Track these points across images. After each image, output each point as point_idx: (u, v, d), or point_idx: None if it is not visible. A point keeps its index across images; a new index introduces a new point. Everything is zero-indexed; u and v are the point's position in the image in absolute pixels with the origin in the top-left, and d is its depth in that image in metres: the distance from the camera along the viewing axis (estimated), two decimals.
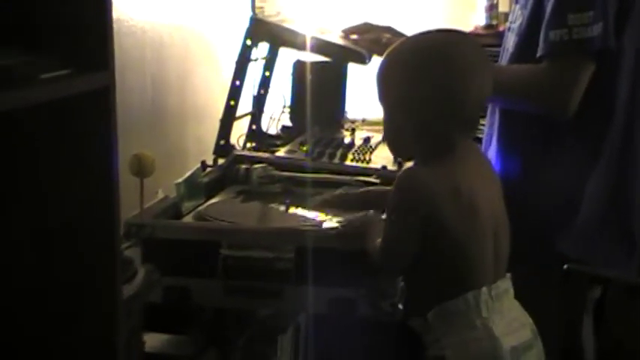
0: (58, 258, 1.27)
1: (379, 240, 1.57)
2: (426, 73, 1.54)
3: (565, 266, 1.75)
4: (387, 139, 1.64)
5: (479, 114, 1.61)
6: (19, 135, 1.23)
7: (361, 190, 1.88)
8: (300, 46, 2.31)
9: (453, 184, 1.52)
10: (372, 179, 2.06)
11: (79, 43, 1.18)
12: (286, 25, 2.38)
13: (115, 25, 1.21)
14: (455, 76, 1.53)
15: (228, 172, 2.15)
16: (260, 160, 2.15)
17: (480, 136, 2.06)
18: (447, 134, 1.55)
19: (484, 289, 1.52)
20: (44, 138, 1.23)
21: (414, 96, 1.54)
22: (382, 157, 2.27)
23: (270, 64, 2.64)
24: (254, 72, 2.53)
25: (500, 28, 3.18)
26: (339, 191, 1.84)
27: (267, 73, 2.64)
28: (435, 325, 1.53)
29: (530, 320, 1.59)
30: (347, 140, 2.42)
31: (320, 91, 2.50)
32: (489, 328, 1.50)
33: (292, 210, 1.89)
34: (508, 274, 1.59)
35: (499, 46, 2.08)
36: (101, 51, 1.19)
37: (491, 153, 1.97)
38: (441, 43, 1.58)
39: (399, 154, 1.76)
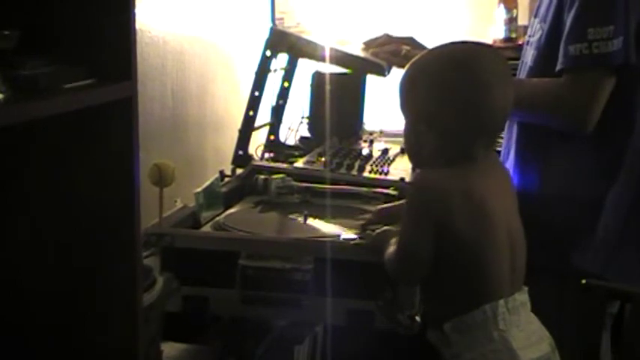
0: (77, 266, 1.28)
1: (394, 246, 1.57)
2: (449, 86, 1.54)
3: (584, 281, 1.74)
4: (407, 148, 1.64)
5: (501, 126, 1.61)
6: (43, 143, 1.24)
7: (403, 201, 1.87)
8: (320, 58, 2.32)
9: (464, 187, 1.52)
10: (390, 191, 2.06)
11: (102, 54, 1.20)
12: (306, 36, 2.39)
13: (136, 35, 1.22)
14: (478, 89, 1.53)
15: (247, 182, 2.16)
16: (278, 171, 2.16)
17: (499, 148, 2.06)
18: (469, 146, 1.55)
19: (501, 301, 1.51)
20: (67, 147, 1.24)
21: (437, 108, 1.54)
22: (400, 169, 2.27)
23: (289, 74, 2.66)
24: (273, 83, 2.54)
25: (519, 42, 3.17)
26: (376, 209, 1.83)
27: (286, 84, 2.66)
28: (452, 338, 1.53)
29: (548, 334, 1.59)
30: (365, 151, 2.43)
31: (339, 103, 2.51)
32: (507, 341, 1.50)
33: (311, 221, 1.89)
34: (525, 288, 1.58)
35: (518, 59, 2.07)
36: (124, 62, 1.20)
37: (509, 165, 1.96)
38: (465, 55, 1.57)
39: (418, 164, 1.76)
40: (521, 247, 1.60)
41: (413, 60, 1.61)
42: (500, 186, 1.61)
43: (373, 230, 1.72)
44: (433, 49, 1.64)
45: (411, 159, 1.67)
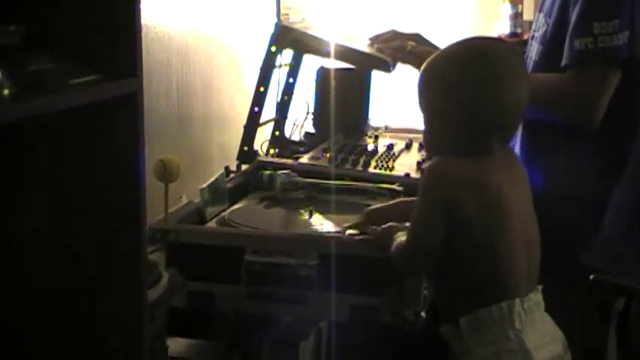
0: (83, 262, 1.28)
1: (403, 237, 1.57)
2: (457, 82, 1.55)
3: (591, 277, 1.73)
4: (426, 142, 1.66)
5: (515, 121, 1.61)
6: (48, 139, 1.25)
7: (393, 202, 1.87)
8: (325, 53, 2.32)
9: (480, 178, 1.53)
10: (395, 187, 2.06)
11: (107, 50, 1.20)
12: (311, 31, 2.39)
13: (142, 31, 1.22)
14: (486, 85, 1.53)
15: (252, 178, 2.16)
16: (283, 167, 2.16)
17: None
18: (481, 140, 1.56)
19: (517, 300, 1.51)
20: (73, 143, 1.25)
21: (446, 103, 1.56)
22: (405, 165, 2.27)
23: (294, 70, 2.65)
24: (278, 78, 2.54)
25: (525, 37, 3.17)
26: (366, 211, 1.83)
27: (291, 80, 2.65)
28: (467, 334, 1.53)
29: (562, 334, 1.59)
30: (370, 147, 2.42)
31: (344, 98, 2.50)
32: (523, 341, 1.50)
33: (316, 217, 1.89)
34: (539, 287, 1.58)
35: (523, 54, 2.07)
36: (130, 57, 1.20)
37: None
38: (478, 53, 1.58)
39: (433, 155, 1.76)
40: (536, 245, 1.60)
41: (429, 59, 1.62)
42: (517, 182, 1.61)
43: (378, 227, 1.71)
44: (448, 46, 1.64)
45: (427, 150, 1.71)
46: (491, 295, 1.52)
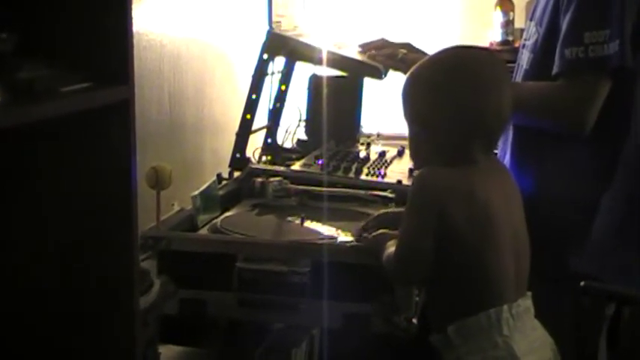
0: (75, 269, 1.28)
1: (394, 248, 1.57)
2: (438, 89, 1.56)
3: (582, 283, 1.74)
4: (411, 152, 1.66)
5: (498, 129, 1.62)
6: (40, 147, 1.25)
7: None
8: (317, 61, 2.32)
9: (467, 188, 1.53)
10: (387, 194, 2.06)
11: (100, 57, 1.20)
12: (303, 39, 2.40)
13: (134, 39, 1.23)
14: (467, 92, 1.54)
15: (244, 185, 2.16)
16: (275, 174, 2.16)
17: (495, 151, 2.06)
18: (463, 148, 1.56)
19: (505, 307, 1.52)
20: (64, 150, 1.24)
21: (428, 110, 1.57)
22: (397, 172, 2.27)
23: (286, 77, 2.66)
24: (270, 86, 2.55)
25: (516, 44, 3.18)
26: (377, 214, 1.83)
27: (283, 87, 2.66)
28: (455, 342, 1.53)
29: (551, 340, 1.59)
30: (362, 154, 2.43)
31: (336, 106, 2.51)
32: (510, 347, 1.50)
33: (308, 224, 1.89)
34: (529, 293, 1.59)
35: (515, 62, 2.08)
36: (121, 65, 1.20)
37: None
38: (460, 61, 1.60)
39: (417, 164, 1.77)
40: (525, 252, 1.60)
41: (412, 67, 1.64)
42: (504, 189, 1.62)
43: (370, 233, 1.71)
44: (433, 54, 1.66)
45: (412, 159, 1.70)
46: (479, 302, 1.52)
